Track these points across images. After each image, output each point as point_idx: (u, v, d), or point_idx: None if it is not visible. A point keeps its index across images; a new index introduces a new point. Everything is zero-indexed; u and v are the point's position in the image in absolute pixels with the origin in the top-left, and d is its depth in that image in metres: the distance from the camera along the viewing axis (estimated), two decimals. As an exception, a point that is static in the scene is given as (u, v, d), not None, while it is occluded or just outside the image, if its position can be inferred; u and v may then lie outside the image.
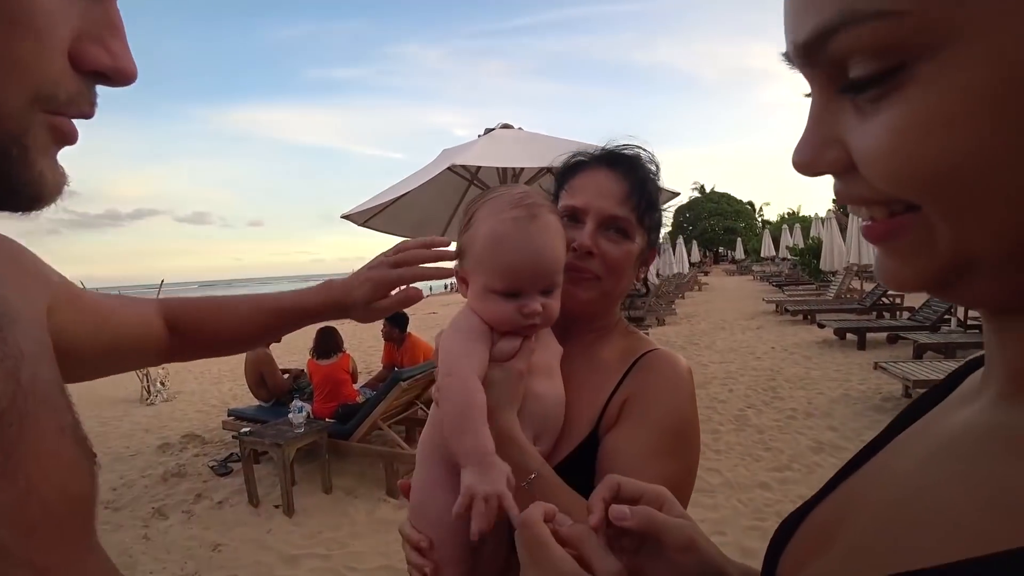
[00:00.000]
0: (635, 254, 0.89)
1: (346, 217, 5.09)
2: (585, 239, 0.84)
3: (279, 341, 0.96)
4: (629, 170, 0.89)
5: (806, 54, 0.29)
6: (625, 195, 0.86)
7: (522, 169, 4.57)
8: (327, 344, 5.02)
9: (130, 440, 6.01)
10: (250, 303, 0.90)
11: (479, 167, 4.67)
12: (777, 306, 13.73)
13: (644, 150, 0.92)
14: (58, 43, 0.34)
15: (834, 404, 5.73)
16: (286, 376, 5.72)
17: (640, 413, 0.82)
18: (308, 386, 5.29)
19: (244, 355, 5.35)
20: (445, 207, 5.61)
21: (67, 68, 0.35)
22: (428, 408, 0.96)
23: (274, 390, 5.46)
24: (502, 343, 0.77)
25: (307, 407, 4.60)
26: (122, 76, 0.37)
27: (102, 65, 0.36)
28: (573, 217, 0.87)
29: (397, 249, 0.92)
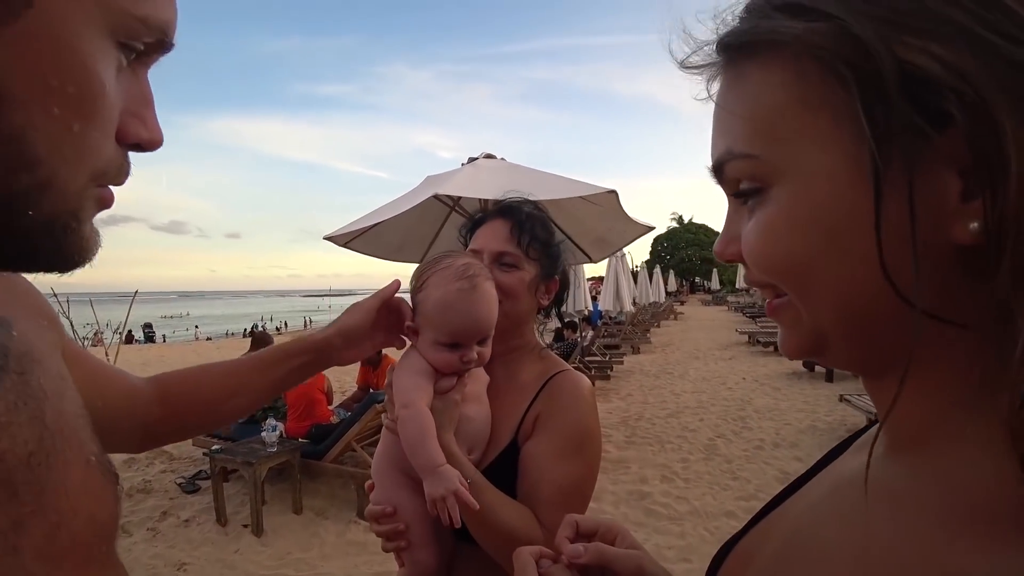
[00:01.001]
0: (527, 280, 1.09)
1: (329, 239, 5.14)
2: None
3: (258, 400, 0.94)
4: (512, 216, 1.12)
5: (714, 173, 0.39)
6: (509, 234, 1.09)
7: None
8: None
9: (95, 454, 5.86)
10: (230, 362, 0.90)
11: (462, 197, 4.77)
12: (749, 337, 14.00)
13: (530, 201, 1.18)
14: (112, 124, 0.37)
15: (801, 435, 5.89)
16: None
17: (549, 425, 1.02)
18: (282, 405, 5.27)
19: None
20: (426, 231, 5.69)
21: (115, 146, 0.38)
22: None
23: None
24: (443, 381, 0.97)
25: (280, 426, 4.58)
26: (154, 145, 0.41)
27: (141, 139, 0.39)
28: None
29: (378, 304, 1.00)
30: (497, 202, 1.18)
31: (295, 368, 0.93)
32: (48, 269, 0.38)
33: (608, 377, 9.21)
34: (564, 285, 1.18)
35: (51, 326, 0.58)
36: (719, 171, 0.39)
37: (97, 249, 0.40)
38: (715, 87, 0.39)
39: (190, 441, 5.42)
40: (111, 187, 0.40)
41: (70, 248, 0.37)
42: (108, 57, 0.34)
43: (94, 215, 0.39)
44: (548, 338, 9.56)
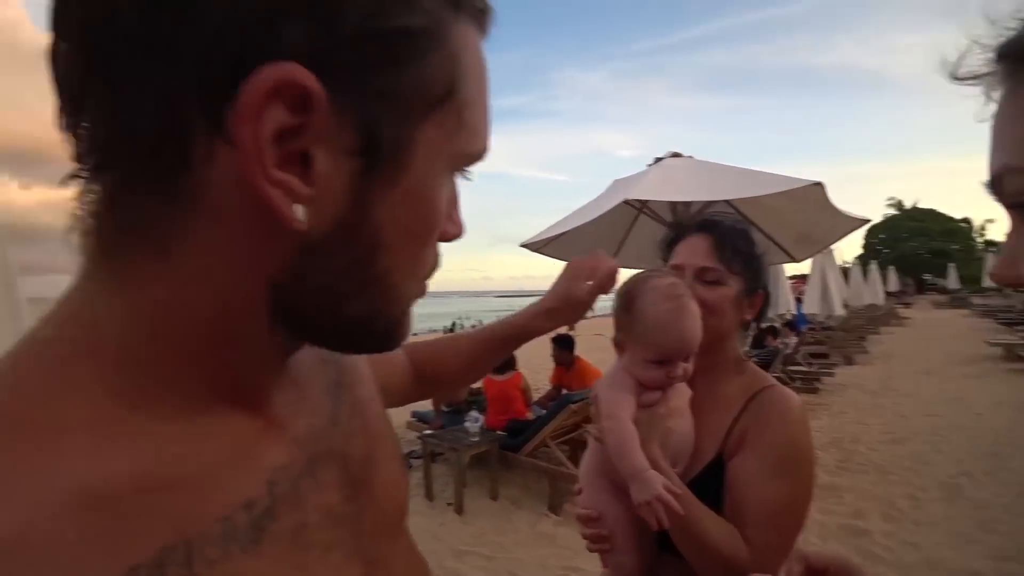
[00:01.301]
0: (731, 296, 1.09)
1: (525, 246, 5.42)
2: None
3: (493, 363, 1.01)
4: (713, 230, 1.12)
5: (991, 187, 0.37)
6: (710, 249, 1.09)
7: (691, 203, 4.49)
8: (503, 361, 5.37)
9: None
10: (467, 335, 0.97)
11: (655, 200, 4.68)
12: (1006, 350, 11.18)
13: (730, 216, 1.17)
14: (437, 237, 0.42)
15: (1082, 483, 4.70)
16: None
17: (756, 442, 1.01)
18: (483, 399, 5.71)
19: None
20: (614, 234, 5.69)
21: (435, 246, 0.42)
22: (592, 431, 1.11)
23: (454, 400, 5.97)
24: (647, 395, 1.02)
25: (482, 418, 4.97)
26: (459, 237, 0.45)
27: (451, 237, 0.44)
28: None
29: (572, 274, 0.93)
30: (696, 211, 1.20)
31: (526, 340, 0.95)
32: (372, 352, 0.44)
33: (816, 391, 8.28)
34: (767, 299, 1.17)
35: None
36: (996, 185, 0.36)
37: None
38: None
39: (405, 424, 6.16)
40: None
41: (395, 337, 0.42)
42: (444, 187, 0.39)
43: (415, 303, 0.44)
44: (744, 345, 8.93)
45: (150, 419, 0.33)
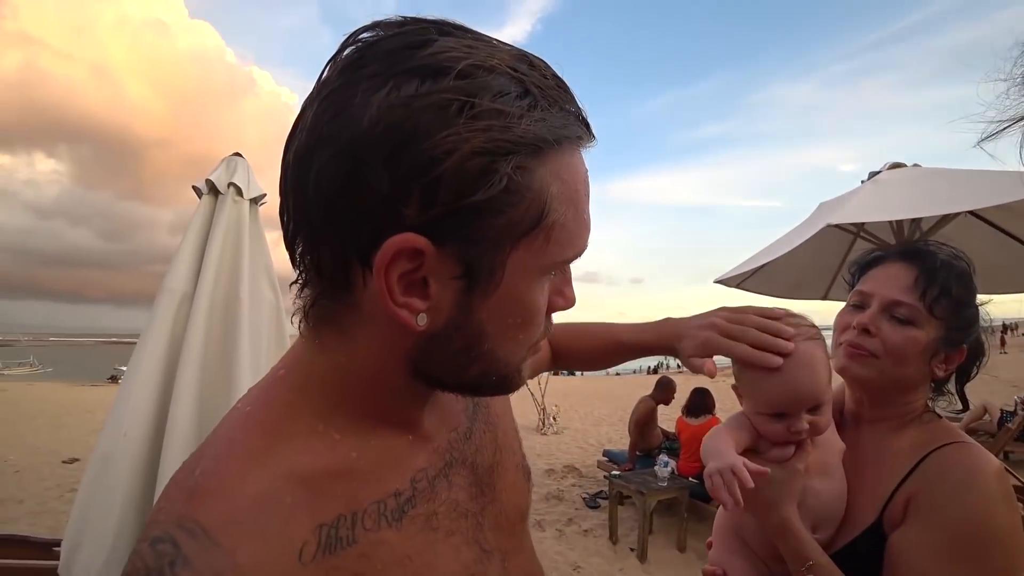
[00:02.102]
0: (922, 342, 0.89)
1: (719, 282, 5.13)
2: (864, 318, 0.90)
3: (616, 364, 1.06)
4: (919, 260, 0.92)
5: None
6: (912, 283, 0.90)
7: (919, 219, 3.80)
8: (699, 404, 5.10)
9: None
10: (604, 333, 1.02)
11: (866, 222, 4.07)
12: None
13: (950, 247, 0.94)
14: (544, 316, 0.52)
15: None
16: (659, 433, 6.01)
17: (928, 513, 0.81)
18: (676, 444, 5.44)
19: (634, 405, 5.92)
20: (827, 263, 5.06)
21: (544, 320, 0.53)
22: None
23: (648, 442, 5.79)
24: (777, 449, 0.87)
25: (672, 463, 4.73)
26: (570, 307, 0.55)
27: (560, 309, 0.55)
28: (861, 303, 0.94)
29: (739, 311, 0.90)
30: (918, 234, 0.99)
31: (635, 356, 1.00)
32: (502, 394, 0.57)
33: None
34: (975, 356, 0.94)
35: None
36: None
37: (526, 380, 0.58)
38: None
39: (596, 463, 6.13)
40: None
41: (515, 385, 0.55)
42: (543, 284, 0.50)
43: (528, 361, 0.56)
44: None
45: (338, 432, 0.51)
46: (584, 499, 5.44)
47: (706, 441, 0.89)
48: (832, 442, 0.91)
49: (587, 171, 0.50)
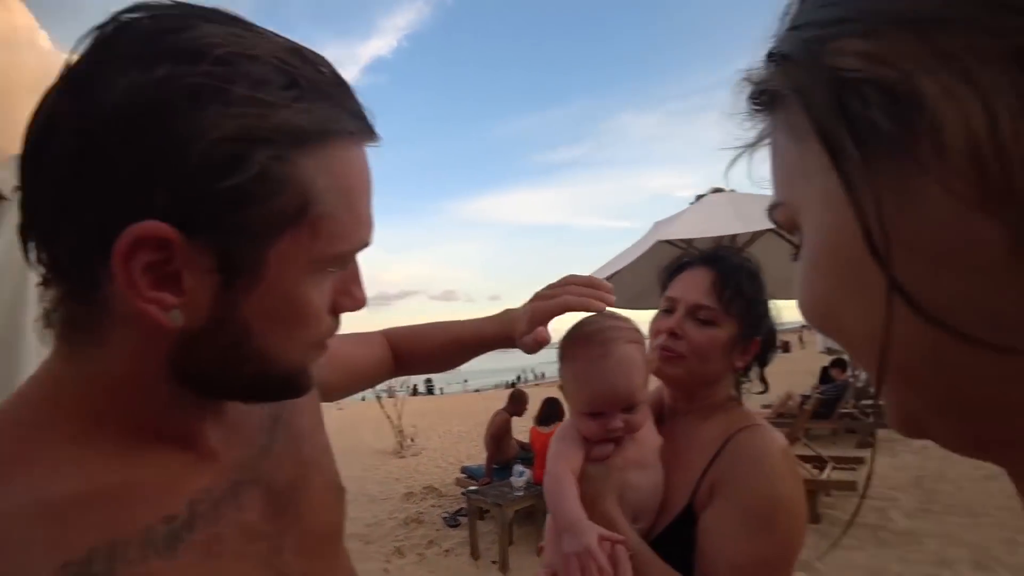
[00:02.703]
0: (722, 340, 0.98)
1: (567, 294, 5.40)
2: (671, 323, 1.00)
3: (464, 363, 1.04)
4: (716, 264, 1.02)
5: (773, 222, 0.36)
6: (710, 286, 0.99)
7: (735, 235, 4.40)
8: (550, 413, 5.30)
9: (383, 486, 6.99)
10: (443, 332, 1.01)
11: (692, 238, 4.62)
12: None
13: (740, 254, 1.06)
14: (325, 315, 0.50)
15: None
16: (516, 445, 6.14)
17: (727, 494, 0.89)
18: (531, 453, 5.55)
19: (489, 419, 6.00)
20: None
21: (329, 319, 0.52)
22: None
23: (505, 454, 5.88)
24: (599, 448, 0.93)
25: (528, 472, 4.83)
26: (359, 309, 0.54)
27: (347, 309, 0.54)
28: (669, 308, 1.02)
29: (563, 282, 0.92)
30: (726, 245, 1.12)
31: (488, 350, 0.99)
32: (291, 398, 0.54)
33: (894, 427, 7.64)
34: (769, 345, 1.05)
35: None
36: (776, 224, 0.36)
37: (316, 378, 0.55)
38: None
39: (455, 481, 6.11)
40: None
41: (298, 389, 0.52)
42: (317, 280, 0.48)
43: (316, 361, 0.54)
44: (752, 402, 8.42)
45: (96, 453, 0.45)
46: (444, 519, 5.38)
47: (551, 491, 0.90)
48: (649, 437, 0.97)
49: (367, 167, 0.50)
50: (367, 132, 0.49)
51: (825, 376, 8.40)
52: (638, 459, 0.95)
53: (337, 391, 0.90)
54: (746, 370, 1.04)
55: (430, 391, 33.05)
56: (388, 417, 9.68)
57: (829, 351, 9.29)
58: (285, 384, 0.51)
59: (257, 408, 0.60)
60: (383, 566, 4.36)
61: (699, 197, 5.01)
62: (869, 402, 8.26)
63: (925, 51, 0.22)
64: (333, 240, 0.46)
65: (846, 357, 8.73)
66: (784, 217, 0.33)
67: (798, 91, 0.27)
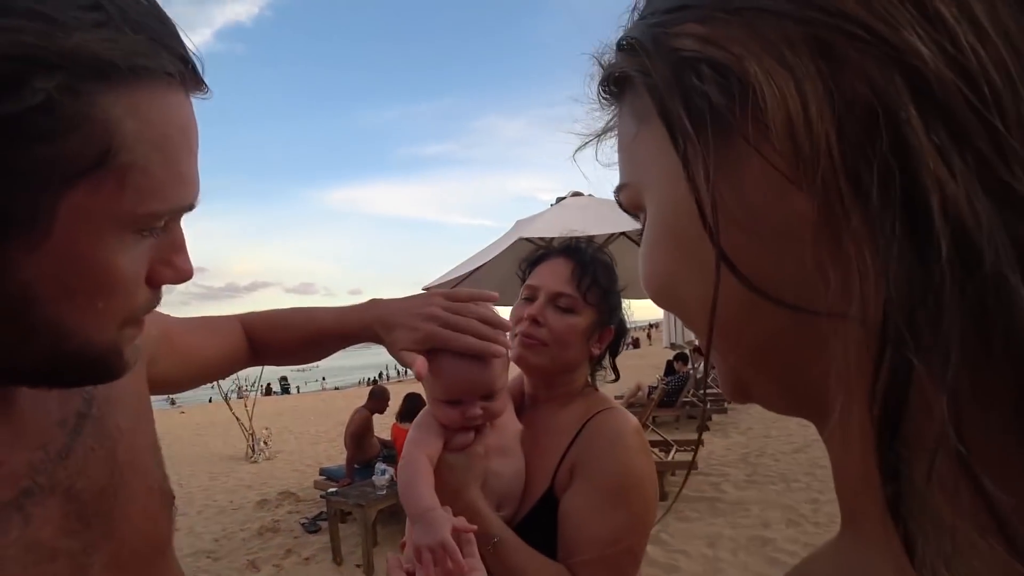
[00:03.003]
0: (580, 328, 1.02)
1: (427, 289, 5.38)
2: (533, 310, 1.01)
3: (327, 356, 0.97)
4: (574, 255, 1.06)
5: (619, 204, 0.37)
6: (570, 275, 1.03)
7: (592, 236, 4.66)
8: (412, 409, 5.23)
9: (233, 495, 6.44)
10: (303, 319, 0.93)
11: (552, 237, 4.83)
12: None
13: (595, 244, 1.12)
14: (138, 285, 0.44)
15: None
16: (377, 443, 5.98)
17: (586, 473, 0.93)
18: (394, 451, 5.47)
19: (348, 418, 5.76)
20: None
21: (146, 291, 0.46)
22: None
23: (366, 453, 5.70)
24: (458, 437, 0.91)
25: (390, 470, 4.73)
26: (183, 281, 0.48)
27: (168, 281, 0.48)
28: (530, 296, 1.04)
29: (451, 297, 0.88)
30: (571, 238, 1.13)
31: (352, 343, 0.92)
32: (95, 384, 0.48)
33: (725, 411, 8.62)
34: (620, 335, 1.11)
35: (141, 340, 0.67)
36: (622, 208, 0.37)
37: (136, 360, 0.49)
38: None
39: (313, 484, 5.80)
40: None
41: (112, 371, 0.46)
42: (125, 244, 0.41)
43: (132, 341, 0.47)
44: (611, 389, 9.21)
45: None
46: (303, 525, 5.09)
47: (405, 478, 0.86)
48: (510, 424, 0.98)
49: (192, 119, 0.44)
50: (191, 79, 0.43)
51: (670, 368, 9.24)
52: (499, 446, 0.95)
53: (179, 384, 0.82)
54: (600, 358, 1.10)
55: (285, 390, 30.95)
56: (238, 419, 8.93)
57: (673, 346, 10.20)
58: (89, 366, 0.44)
59: (56, 404, 0.51)
60: (233, 582, 4.02)
61: (559, 199, 5.26)
62: (707, 390, 9.25)
63: (751, 36, 0.24)
64: (145, 197, 0.40)
65: (688, 352, 9.73)
66: (629, 198, 0.35)
67: (642, 71, 0.29)
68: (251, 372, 10.13)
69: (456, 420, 0.90)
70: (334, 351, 0.94)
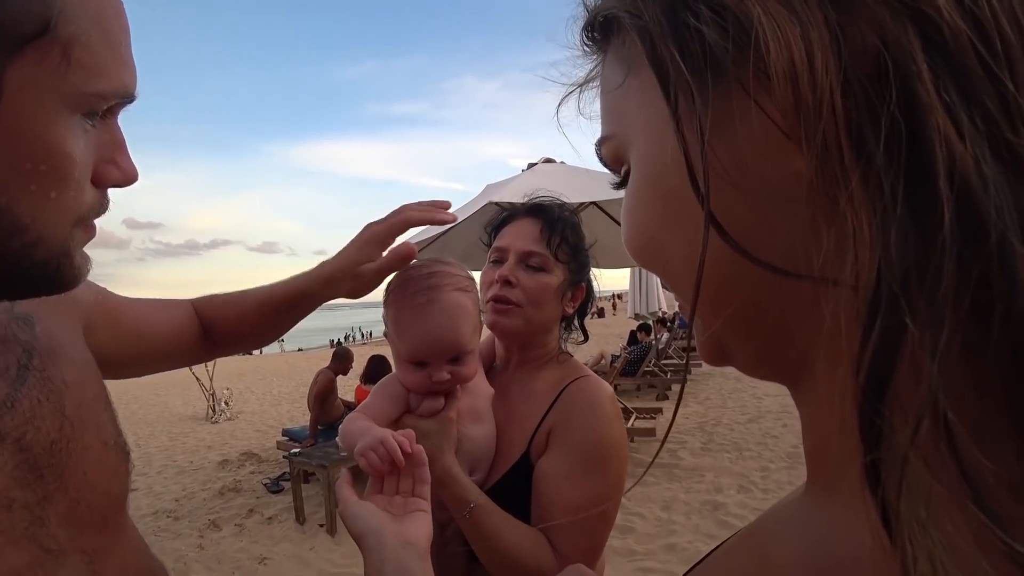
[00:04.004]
0: (553, 286, 1.01)
1: (393, 250, 5.31)
2: (504, 270, 1.00)
3: (284, 332, 0.95)
4: (542, 214, 1.05)
5: (601, 162, 0.36)
6: (539, 235, 1.01)
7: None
8: (376, 371, 5.22)
9: (194, 455, 6.37)
10: (253, 293, 0.90)
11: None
12: None
13: (561, 202, 1.10)
14: (86, 178, 0.43)
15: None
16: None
17: (563, 440, 0.94)
18: (357, 411, 5.47)
19: (312, 379, 5.71)
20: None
21: (93, 191, 0.44)
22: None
23: (330, 414, 5.69)
24: (428, 401, 0.88)
25: (354, 430, 4.76)
26: (129, 183, 0.47)
27: (115, 182, 0.46)
28: (499, 259, 1.03)
29: (398, 209, 0.88)
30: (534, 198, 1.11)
31: (309, 306, 0.91)
32: (48, 294, 0.45)
33: (685, 381, 8.87)
34: (589, 295, 1.10)
35: (68, 309, 0.62)
36: (602, 161, 0.36)
37: (88, 271, 0.47)
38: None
39: (276, 444, 5.77)
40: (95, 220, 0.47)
41: (64, 278, 0.44)
42: (74, 128, 0.40)
43: (82, 246, 0.46)
44: (580, 354, 9.37)
45: None
46: (265, 485, 5.08)
47: (343, 428, 0.83)
48: (481, 388, 0.96)
49: (122, 6, 0.44)
50: None
51: (632, 338, 9.39)
52: (472, 410, 0.93)
53: (124, 363, 0.75)
54: (572, 319, 1.09)
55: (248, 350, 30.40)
56: (198, 379, 8.76)
57: (636, 316, 10.39)
58: (40, 269, 0.42)
59: None
60: (196, 542, 4.00)
61: (531, 165, 5.20)
62: (668, 361, 9.49)
63: None
64: (90, 75, 0.39)
65: (651, 322, 9.91)
66: (611, 151, 0.33)
67: (632, 13, 0.27)
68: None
69: (421, 383, 0.87)
70: (291, 321, 0.91)
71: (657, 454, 0.52)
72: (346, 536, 3.94)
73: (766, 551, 0.32)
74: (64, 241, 0.43)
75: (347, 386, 6.16)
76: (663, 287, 0.36)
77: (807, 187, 0.23)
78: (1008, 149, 0.18)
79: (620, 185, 0.34)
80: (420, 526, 0.65)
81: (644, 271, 9.51)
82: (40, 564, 0.46)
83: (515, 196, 4.51)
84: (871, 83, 0.20)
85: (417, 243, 5.13)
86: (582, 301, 1.08)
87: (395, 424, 0.86)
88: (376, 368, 5.24)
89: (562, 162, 5.14)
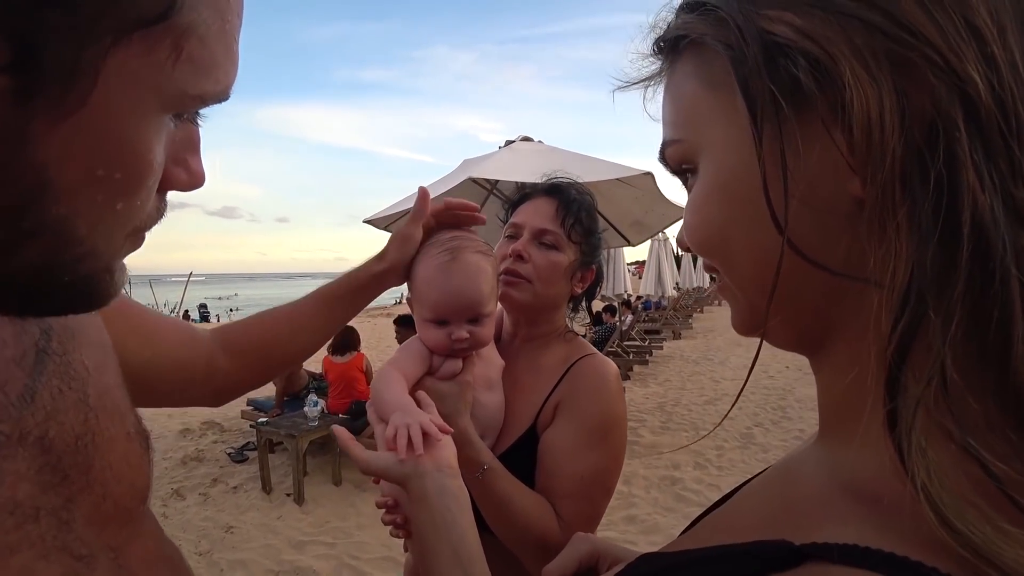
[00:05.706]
0: (564, 265, 1.05)
1: (368, 222, 5.26)
2: (518, 245, 1.04)
3: (334, 324, 0.94)
4: (559, 195, 1.09)
5: (662, 163, 0.42)
6: (554, 214, 1.06)
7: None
8: (344, 342, 5.20)
9: (153, 424, 6.25)
10: (291, 304, 0.90)
11: (497, 180, 4.80)
12: None
13: (576, 183, 1.15)
14: (155, 188, 0.36)
15: (843, 427, 5.71)
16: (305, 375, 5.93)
17: (570, 413, 1.00)
18: (324, 383, 5.47)
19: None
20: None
21: (155, 196, 0.37)
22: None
23: (295, 384, 5.66)
24: (448, 363, 0.92)
25: (322, 402, 4.77)
26: (194, 188, 0.40)
27: (182, 186, 0.39)
28: (514, 234, 1.08)
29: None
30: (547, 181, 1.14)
31: (356, 304, 0.93)
32: (80, 312, 0.39)
33: (647, 362, 9.13)
34: (598, 278, 1.15)
35: None
36: (664, 160, 0.41)
37: (124, 283, 0.40)
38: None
39: (240, 414, 5.72)
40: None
41: (102, 294, 0.37)
42: (160, 130, 0.34)
43: (124, 257, 0.39)
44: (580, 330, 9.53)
45: None
46: (229, 454, 5.05)
47: (377, 387, 0.83)
48: (494, 359, 1.01)
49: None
50: None
51: (597, 319, 9.58)
52: (486, 377, 0.98)
53: (128, 368, 0.65)
54: (580, 299, 1.14)
55: (204, 318, 29.12)
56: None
57: (603, 298, 10.56)
58: (82, 285, 0.35)
59: (10, 337, 0.42)
60: (160, 511, 3.95)
61: (508, 142, 5.19)
62: (631, 342, 9.71)
63: (844, 39, 0.29)
64: (199, 74, 0.33)
65: (616, 304, 10.11)
66: (679, 153, 0.39)
67: (727, 45, 0.33)
68: (169, 297, 9.64)
69: (442, 342, 0.89)
70: (349, 311, 0.92)
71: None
72: (314, 505, 4.01)
73: (794, 479, 0.39)
74: (113, 255, 0.37)
75: (313, 357, 6.10)
76: (706, 270, 0.43)
77: (863, 211, 0.30)
78: (1012, 199, 0.26)
79: (683, 181, 0.40)
80: (444, 450, 0.69)
81: (612, 253, 9.68)
82: (73, 574, 0.41)
83: (494, 172, 4.51)
84: (923, 139, 0.27)
85: (394, 214, 5.11)
86: (591, 283, 1.13)
87: (416, 386, 0.89)
88: (344, 339, 5.21)
89: (539, 141, 5.16)
